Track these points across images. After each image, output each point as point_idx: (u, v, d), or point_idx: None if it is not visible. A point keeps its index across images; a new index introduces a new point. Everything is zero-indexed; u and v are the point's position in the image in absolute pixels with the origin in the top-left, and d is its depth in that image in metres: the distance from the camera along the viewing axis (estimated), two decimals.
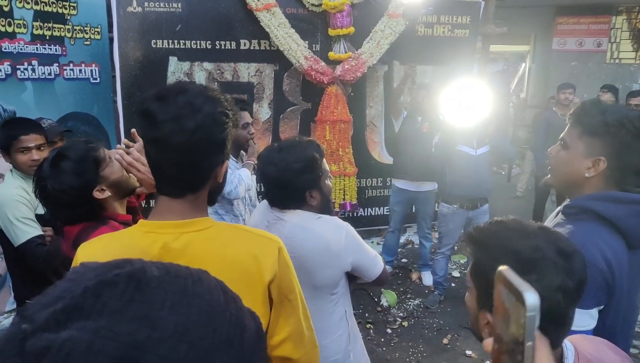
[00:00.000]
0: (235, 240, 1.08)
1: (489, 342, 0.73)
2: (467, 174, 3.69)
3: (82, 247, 1.08)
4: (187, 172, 1.04)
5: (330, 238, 1.61)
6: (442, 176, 3.86)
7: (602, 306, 1.26)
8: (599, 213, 1.29)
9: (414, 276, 4.51)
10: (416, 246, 5.01)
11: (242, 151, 2.80)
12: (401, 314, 3.92)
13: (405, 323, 3.79)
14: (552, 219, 1.48)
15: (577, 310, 0.91)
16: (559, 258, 0.85)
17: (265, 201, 1.81)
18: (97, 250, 1.07)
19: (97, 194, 1.57)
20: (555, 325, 0.85)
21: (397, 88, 4.36)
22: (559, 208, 1.47)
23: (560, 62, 7.81)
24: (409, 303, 4.09)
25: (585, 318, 1.22)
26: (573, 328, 0.91)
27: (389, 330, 3.67)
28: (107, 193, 1.59)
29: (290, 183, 1.64)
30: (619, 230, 1.29)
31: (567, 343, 0.95)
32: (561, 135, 1.41)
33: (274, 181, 1.67)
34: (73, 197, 1.53)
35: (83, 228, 1.55)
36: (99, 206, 1.60)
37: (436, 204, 4.32)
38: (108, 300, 0.42)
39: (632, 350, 3.38)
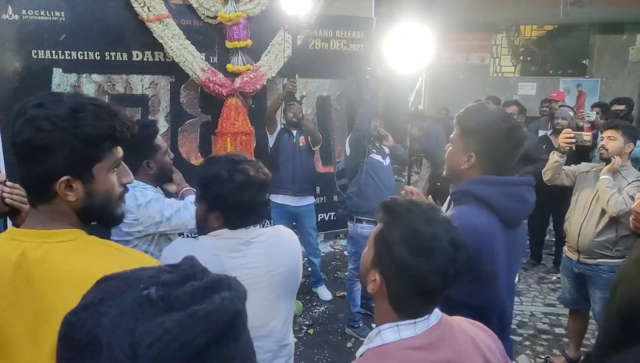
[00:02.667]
0: (100, 256, 1.06)
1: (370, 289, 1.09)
2: (383, 186, 3.64)
3: None
4: (24, 179, 1.07)
5: (297, 244, 1.75)
6: (356, 184, 3.71)
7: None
8: (475, 194, 1.55)
9: None
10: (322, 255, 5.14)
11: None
12: (307, 322, 4.02)
13: (310, 331, 3.89)
14: (445, 207, 1.75)
15: None
16: (450, 248, 1.03)
17: (189, 240, 1.70)
18: None
19: None
20: (427, 299, 1.07)
21: (274, 102, 4.25)
22: (449, 196, 1.74)
23: (450, 75, 8.51)
24: (315, 310, 4.20)
25: None
26: None
27: (295, 339, 3.74)
28: None
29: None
30: (493, 209, 1.53)
31: (436, 310, 1.11)
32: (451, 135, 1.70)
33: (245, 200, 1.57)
34: None
35: None
36: None
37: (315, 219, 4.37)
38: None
39: (516, 338, 3.75)
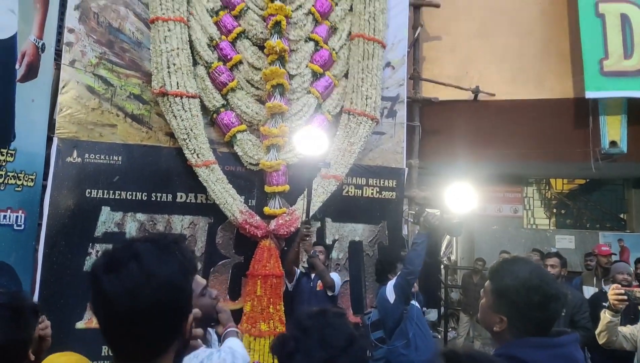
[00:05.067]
0: None
1: None
2: (429, 336, 3.65)
3: None
4: (153, 340, 1.02)
5: None
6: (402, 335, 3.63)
7: None
8: (523, 359, 1.49)
9: None
10: None
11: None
12: None
13: None
14: None
15: None
16: None
17: None
18: None
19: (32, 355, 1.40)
20: None
21: (291, 252, 4.36)
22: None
23: (482, 226, 8.80)
24: None
25: None
26: None
27: None
28: (33, 356, 1.42)
29: None
30: None
31: None
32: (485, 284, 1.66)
33: None
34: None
35: None
36: None
37: None
38: None
39: None
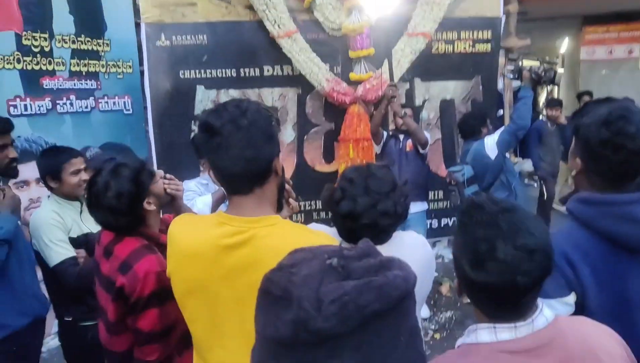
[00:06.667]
0: (297, 238, 1.23)
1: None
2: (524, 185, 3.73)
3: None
4: (250, 166, 1.22)
5: (425, 255, 1.60)
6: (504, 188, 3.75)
7: (568, 297, 1.33)
8: (574, 214, 1.39)
9: (444, 289, 4.61)
10: (446, 261, 5.11)
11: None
12: (433, 327, 4.09)
13: (437, 336, 3.95)
14: None
15: (545, 300, 1.06)
16: (517, 252, 0.93)
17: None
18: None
19: (147, 205, 1.77)
20: (504, 307, 1.00)
21: (377, 115, 4.28)
22: None
23: (589, 71, 7.82)
24: (441, 316, 4.21)
25: (554, 306, 1.28)
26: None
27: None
28: (153, 206, 1.79)
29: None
30: (599, 233, 1.33)
31: (546, 311, 1.03)
32: None
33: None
34: (125, 204, 1.70)
35: (134, 251, 1.70)
36: (141, 219, 1.78)
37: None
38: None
39: None
